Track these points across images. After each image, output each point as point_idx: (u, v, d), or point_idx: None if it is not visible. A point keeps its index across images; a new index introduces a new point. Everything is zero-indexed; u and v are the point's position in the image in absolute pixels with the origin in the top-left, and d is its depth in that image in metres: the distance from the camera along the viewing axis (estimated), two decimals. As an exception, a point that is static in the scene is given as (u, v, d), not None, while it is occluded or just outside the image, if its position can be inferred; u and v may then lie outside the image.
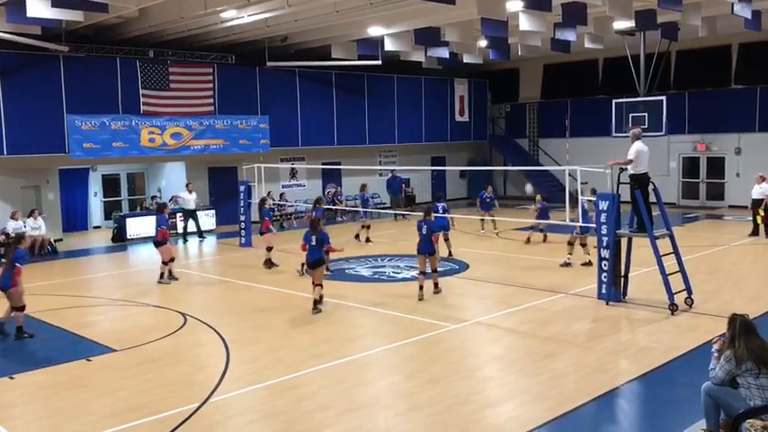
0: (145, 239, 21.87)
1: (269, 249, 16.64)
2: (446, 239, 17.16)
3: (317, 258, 12.38)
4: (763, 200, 19.42)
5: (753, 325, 6.29)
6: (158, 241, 15.30)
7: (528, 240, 19.55)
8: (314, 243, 12.36)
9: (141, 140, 21.92)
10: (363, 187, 22.23)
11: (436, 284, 13.61)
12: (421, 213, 13.77)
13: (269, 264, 16.54)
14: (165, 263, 15.20)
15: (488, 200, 21.70)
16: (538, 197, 19.89)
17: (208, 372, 9.21)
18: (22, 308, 11.05)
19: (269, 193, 24.00)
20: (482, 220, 21.64)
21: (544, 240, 19.65)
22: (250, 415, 7.73)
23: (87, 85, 21.01)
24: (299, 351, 10.05)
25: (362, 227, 20.29)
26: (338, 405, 7.87)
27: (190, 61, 23.46)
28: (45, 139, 20.29)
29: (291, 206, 25.31)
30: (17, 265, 11.00)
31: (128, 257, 19.86)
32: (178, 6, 17.81)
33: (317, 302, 12.28)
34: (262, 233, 16.95)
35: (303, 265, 15.78)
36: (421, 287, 13.25)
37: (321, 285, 12.40)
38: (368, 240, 20.03)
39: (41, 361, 9.76)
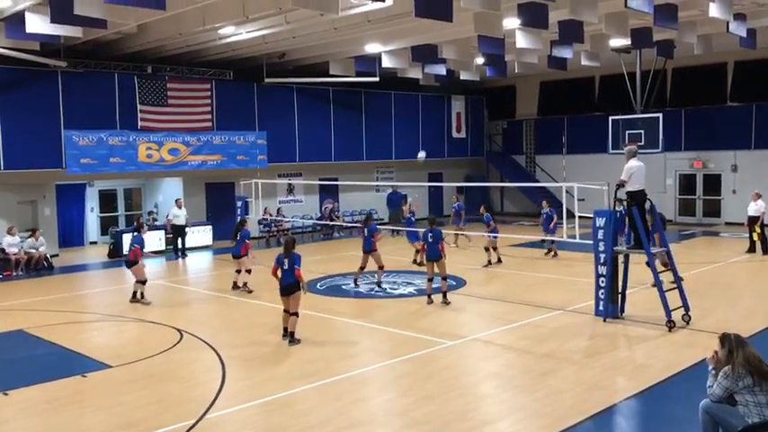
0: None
1: (248, 272, 15.68)
2: (494, 248, 18.51)
3: (290, 283, 11.07)
4: (759, 217, 19.45)
5: (744, 339, 6.41)
6: (130, 261, 14.68)
7: (553, 253, 19.66)
8: (286, 267, 11.08)
9: (139, 156, 21.93)
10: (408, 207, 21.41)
11: (445, 294, 13.77)
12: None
13: (245, 286, 15.57)
14: (141, 282, 14.64)
15: (453, 209, 21.69)
16: (544, 203, 20.05)
17: (204, 388, 9.15)
18: None
19: (265, 209, 24.08)
20: (455, 234, 21.65)
21: (554, 255, 19.61)
22: (246, 432, 7.69)
23: (85, 101, 21.06)
24: (295, 367, 10.01)
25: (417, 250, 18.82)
26: (334, 422, 7.83)
27: (188, 77, 23.54)
28: (42, 154, 20.32)
29: (289, 222, 25.29)
30: None
31: (124, 273, 19.65)
32: (176, 23, 17.88)
33: (293, 333, 11.13)
34: (240, 256, 15.70)
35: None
36: (429, 294, 13.88)
37: (297, 315, 11.20)
38: (417, 263, 18.59)
39: (36, 377, 9.68)
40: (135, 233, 15.24)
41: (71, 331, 12.60)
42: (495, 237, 18.53)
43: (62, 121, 20.67)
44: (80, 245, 24.09)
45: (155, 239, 22.61)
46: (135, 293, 14.73)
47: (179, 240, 21.87)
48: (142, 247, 14.88)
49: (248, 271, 15.74)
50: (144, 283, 14.75)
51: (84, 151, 20.91)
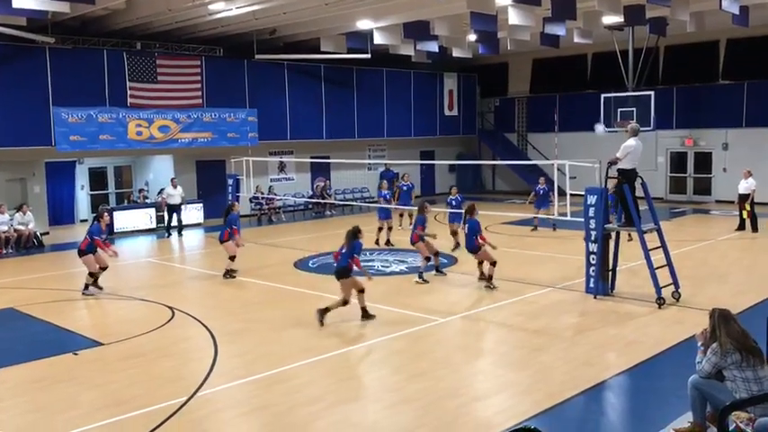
0: (132, 233, 21.88)
1: (232, 259, 14.81)
2: (454, 232, 17.03)
3: (341, 268, 10.94)
4: (749, 195, 19.52)
5: (731, 314, 6.44)
6: (81, 250, 13.48)
7: (535, 228, 20.20)
8: (344, 250, 11.00)
9: (128, 133, 21.76)
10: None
11: (490, 277, 13.19)
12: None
13: (229, 274, 14.80)
14: (91, 274, 13.52)
15: (404, 187, 20.94)
16: (541, 180, 20.15)
17: (196, 365, 9.17)
18: None
19: (257, 187, 23.97)
20: (401, 215, 20.87)
21: (534, 229, 20.04)
22: (238, 408, 7.72)
23: (74, 78, 20.82)
24: (287, 345, 10.03)
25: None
26: (327, 398, 7.87)
27: (177, 54, 23.32)
28: (31, 131, 20.12)
29: (280, 200, 25.25)
30: None
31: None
32: (166, -2, 17.71)
33: (364, 309, 11.05)
34: (224, 241, 14.93)
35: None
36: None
37: (347, 302, 10.88)
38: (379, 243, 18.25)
39: (28, 355, 9.68)
40: (94, 223, 13.89)
41: (62, 309, 12.57)
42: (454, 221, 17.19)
43: (51, 98, 20.43)
44: (71, 222, 23.97)
45: (145, 217, 22.63)
46: (87, 285, 13.56)
47: (173, 218, 21.83)
48: (93, 238, 13.48)
49: (232, 257, 14.85)
50: (92, 275, 13.63)
51: (74, 128, 20.72)
